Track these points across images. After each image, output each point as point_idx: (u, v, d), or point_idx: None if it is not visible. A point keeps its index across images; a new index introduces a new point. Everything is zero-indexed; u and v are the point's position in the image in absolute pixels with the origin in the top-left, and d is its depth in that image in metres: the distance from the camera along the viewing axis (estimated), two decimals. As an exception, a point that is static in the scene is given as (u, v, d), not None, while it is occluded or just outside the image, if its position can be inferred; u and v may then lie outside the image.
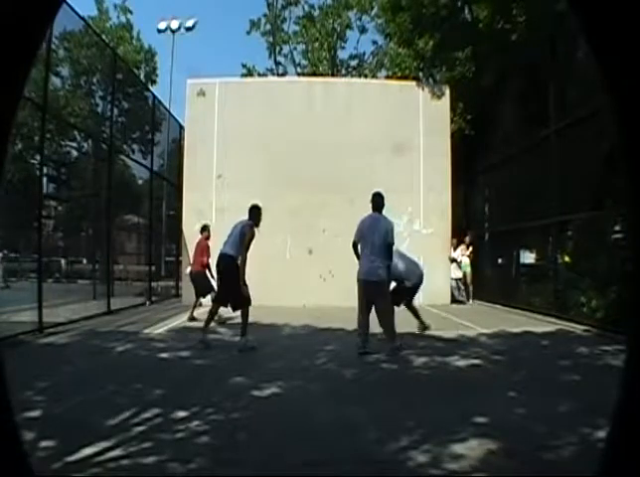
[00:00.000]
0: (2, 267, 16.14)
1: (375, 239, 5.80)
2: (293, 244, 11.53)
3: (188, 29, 26.22)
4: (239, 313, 6.16)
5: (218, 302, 6.43)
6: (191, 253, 9.37)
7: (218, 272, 6.32)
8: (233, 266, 6.00)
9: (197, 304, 8.80)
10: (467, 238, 12.53)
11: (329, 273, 11.11)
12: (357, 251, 5.96)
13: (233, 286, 5.97)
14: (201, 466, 2.70)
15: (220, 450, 2.93)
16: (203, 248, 8.84)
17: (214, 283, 7.91)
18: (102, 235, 10.84)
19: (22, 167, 14.62)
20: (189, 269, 9.20)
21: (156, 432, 3.17)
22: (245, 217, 6.29)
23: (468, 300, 12.38)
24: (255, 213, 6.26)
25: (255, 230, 6.11)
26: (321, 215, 11.41)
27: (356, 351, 5.70)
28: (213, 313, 6.43)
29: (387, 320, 5.86)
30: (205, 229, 9.14)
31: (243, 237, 5.98)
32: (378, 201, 6.09)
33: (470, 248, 12.51)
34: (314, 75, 18.85)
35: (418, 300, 10.49)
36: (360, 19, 21.24)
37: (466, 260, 12.51)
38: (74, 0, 8.72)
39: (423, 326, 7.17)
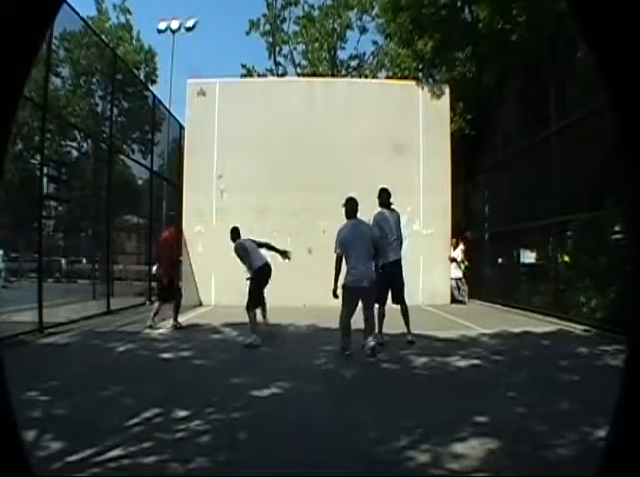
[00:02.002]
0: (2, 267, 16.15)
1: (361, 248, 5.58)
2: (293, 244, 11.52)
3: (188, 29, 26.14)
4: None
5: (255, 306, 6.70)
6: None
7: (264, 280, 6.79)
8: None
9: (158, 310, 7.98)
10: (459, 239, 12.41)
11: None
12: (340, 266, 5.60)
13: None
14: (201, 466, 2.71)
15: (220, 450, 2.93)
16: (171, 244, 7.90)
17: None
18: (102, 235, 10.83)
19: (22, 167, 14.61)
20: (155, 269, 8.32)
21: (156, 432, 3.17)
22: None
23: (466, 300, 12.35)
24: (235, 233, 7.03)
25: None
26: (321, 215, 11.40)
27: (357, 351, 5.66)
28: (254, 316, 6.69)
29: (374, 318, 5.92)
30: (173, 219, 8.15)
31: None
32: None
33: (461, 247, 12.37)
34: (314, 75, 18.87)
35: (418, 300, 10.51)
36: (360, 19, 21.32)
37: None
38: (74, 0, 8.73)
39: (411, 335, 6.46)
